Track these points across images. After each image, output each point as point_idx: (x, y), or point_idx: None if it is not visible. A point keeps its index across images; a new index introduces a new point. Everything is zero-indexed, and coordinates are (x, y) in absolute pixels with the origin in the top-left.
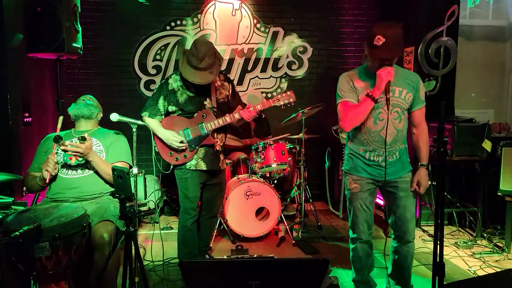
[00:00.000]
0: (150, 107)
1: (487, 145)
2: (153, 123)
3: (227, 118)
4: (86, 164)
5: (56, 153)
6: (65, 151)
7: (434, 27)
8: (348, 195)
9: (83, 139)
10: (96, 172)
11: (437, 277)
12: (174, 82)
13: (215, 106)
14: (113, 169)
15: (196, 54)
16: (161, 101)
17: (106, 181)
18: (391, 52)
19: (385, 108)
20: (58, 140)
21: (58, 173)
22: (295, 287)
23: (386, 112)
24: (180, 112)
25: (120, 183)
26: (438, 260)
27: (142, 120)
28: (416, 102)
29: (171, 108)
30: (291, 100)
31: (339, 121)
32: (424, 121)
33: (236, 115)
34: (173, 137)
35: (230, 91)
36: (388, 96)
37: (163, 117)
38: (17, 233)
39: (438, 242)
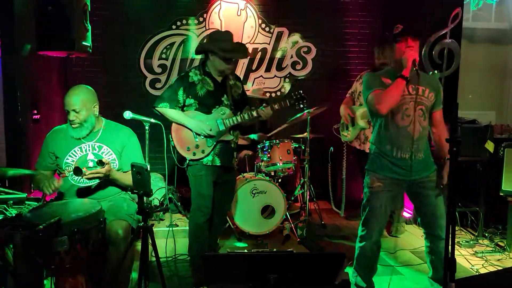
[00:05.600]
0: (170, 98)
1: (489, 146)
2: (177, 114)
3: (245, 116)
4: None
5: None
6: (87, 178)
7: (438, 29)
8: (367, 193)
9: (101, 163)
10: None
11: (448, 272)
12: (195, 76)
13: (232, 103)
14: (132, 166)
15: (225, 37)
16: (180, 93)
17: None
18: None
19: (411, 104)
20: (78, 172)
21: (70, 178)
22: (312, 280)
23: (412, 108)
24: (197, 106)
25: (139, 179)
26: (449, 256)
27: (157, 113)
28: (437, 103)
29: (189, 101)
30: (304, 101)
31: (374, 106)
32: (443, 121)
33: (254, 113)
34: (203, 125)
35: (241, 90)
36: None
37: (181, 109)
38: (41, 226)
39: (450, 238)
